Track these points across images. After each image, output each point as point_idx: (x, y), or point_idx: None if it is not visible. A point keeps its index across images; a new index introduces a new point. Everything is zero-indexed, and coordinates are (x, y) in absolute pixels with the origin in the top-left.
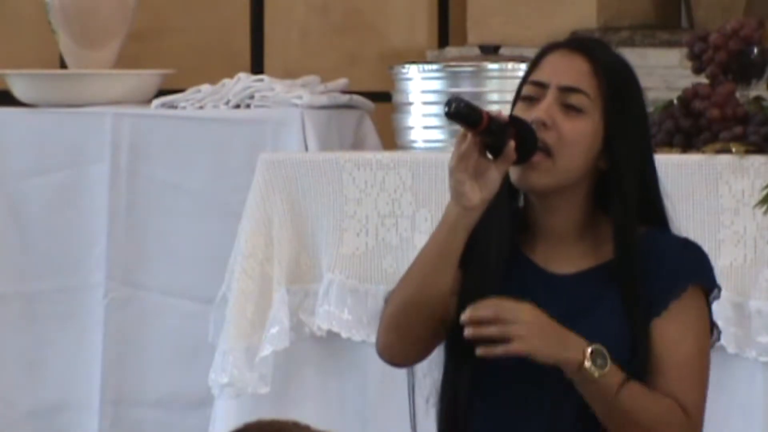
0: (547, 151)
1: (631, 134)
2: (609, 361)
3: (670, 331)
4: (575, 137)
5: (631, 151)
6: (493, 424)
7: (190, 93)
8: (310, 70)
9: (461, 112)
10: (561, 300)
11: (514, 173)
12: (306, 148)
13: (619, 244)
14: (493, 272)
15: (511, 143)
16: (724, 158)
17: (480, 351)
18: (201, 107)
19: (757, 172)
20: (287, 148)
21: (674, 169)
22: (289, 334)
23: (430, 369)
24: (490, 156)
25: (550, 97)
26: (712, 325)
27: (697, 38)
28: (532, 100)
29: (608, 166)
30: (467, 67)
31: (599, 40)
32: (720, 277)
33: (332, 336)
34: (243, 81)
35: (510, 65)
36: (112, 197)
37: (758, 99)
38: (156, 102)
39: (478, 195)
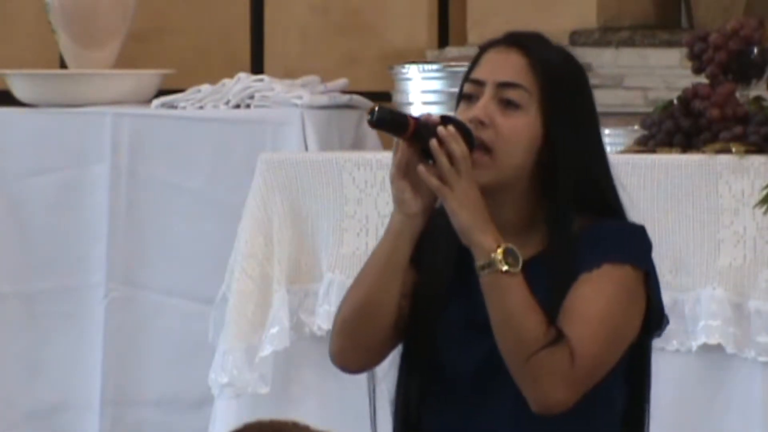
0: (486, 149)
1: (572, 129)
2: (519, 266)
3: (580, 290)
4: (513, 134)
5: (573, 145)
6: (445, 427)
7: (190, 93)
8: (310, 70)
9: (384, 119)
10: None
11: None
12: (306, 148)
13: (550, 236)
14: (442, 272)
15: (434, 142)
16: (724, 158)
17: (420, 166)
18: (201, 107)
19: (757, 172)
20: (287, 148)
21: (674, 169)
22: (289, 334)
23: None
24: (430, 162)
25: (488, 94)
26: (657, 313)
27: (697, 38)
28: (471, 99)
29: (548, 160)
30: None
31: (538, 35)
32: (719, 277)
33: None
34: (243, 81)
35: None
36: (112, 197)
37: (758, 99)
38: (156, 102)
39: (420, 202)
